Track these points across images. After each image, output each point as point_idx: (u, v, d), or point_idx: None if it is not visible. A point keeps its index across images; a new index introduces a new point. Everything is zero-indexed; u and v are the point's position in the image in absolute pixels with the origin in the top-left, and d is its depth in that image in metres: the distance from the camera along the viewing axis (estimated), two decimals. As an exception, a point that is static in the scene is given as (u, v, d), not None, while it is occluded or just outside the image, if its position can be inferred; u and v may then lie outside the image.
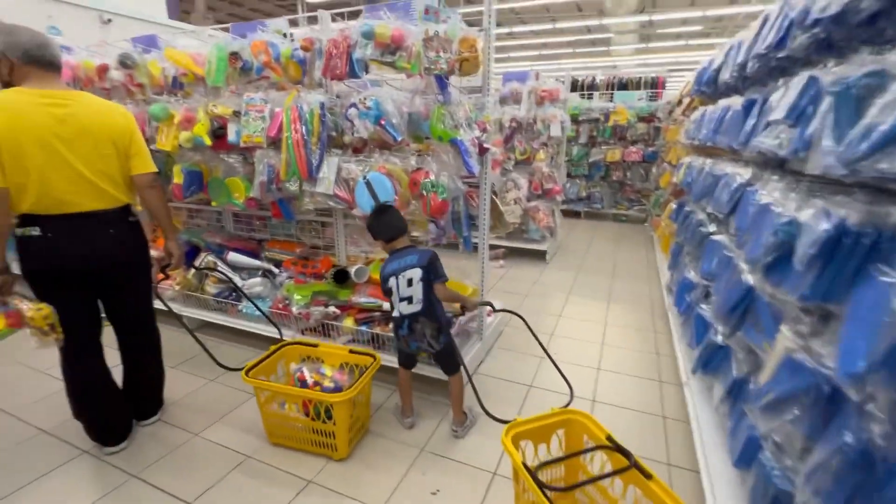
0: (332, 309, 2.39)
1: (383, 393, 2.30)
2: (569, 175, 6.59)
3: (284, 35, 2.38)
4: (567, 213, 6.64)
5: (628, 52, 15.79)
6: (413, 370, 2.07)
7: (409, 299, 1.84)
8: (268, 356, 2.05)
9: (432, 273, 1.88)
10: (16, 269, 1.67)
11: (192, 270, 2.87)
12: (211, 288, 2.87)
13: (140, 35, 2.92)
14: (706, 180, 2.34)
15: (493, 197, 2.41)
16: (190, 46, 2.49)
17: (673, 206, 3.73)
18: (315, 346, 2.14)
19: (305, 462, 1.85)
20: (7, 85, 1.62)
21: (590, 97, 7.07)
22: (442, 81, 1.97)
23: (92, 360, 1.84)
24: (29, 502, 1.65)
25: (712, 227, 2.27)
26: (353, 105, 2.09)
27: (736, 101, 2.00)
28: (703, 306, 2.05)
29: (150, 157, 1.87)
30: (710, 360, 1.85)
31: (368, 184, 2.10)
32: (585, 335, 2.99)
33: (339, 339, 2.43)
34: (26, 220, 1.60)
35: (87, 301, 1.78)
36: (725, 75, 2.29)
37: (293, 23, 2.51)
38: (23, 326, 1.60)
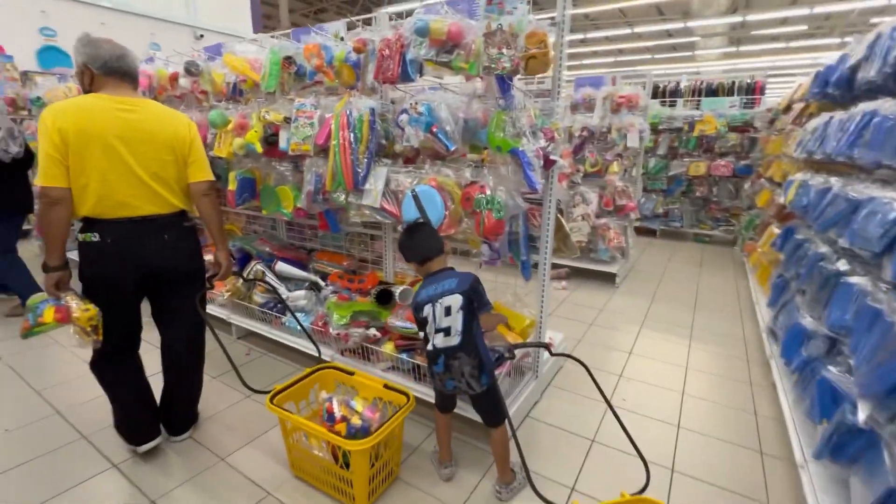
0: (372, 332, 2.20)
1: (421, 431, 2.06)
2: (645, 189, 6.01)
3: (341, 38, 2.25)
4: (641, 231, 6.04)
5: (715, 57, 14.52)
6: (455, 410, 1.81)
7: (447, 331, 1.57)
8: (301, 379, 1.91)
9: (476, 301, 1.61)
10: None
11: (246, 274, 2.83)
12: (258, 297, 2.82)
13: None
14: (836, 205, 1.85)
15: (559, 216, 2.09)
16: (248, 52, 2.45)
17: (776, 230, 3.15)
18: (351, 373, 1.95)
19: (326, 507, 1.66)
20: (87, 93, 1.70)
21: (672, 104, 6.43)
22: (504, 83, 1.70)
23: (132, 363, 1.87)
24: (52, 517, 1.60)
25: (843, 266, 1.78)
26: (405, 111, 1.90)
27: (890, 106, 1.53)
28: (833, 369, 1.59)
29: (209, 166, 1.88)
30: (845, 446, 1.39)
31: (416, 197, 1.88)
32: (662, 380, 2.55)
33: (378, 364, 2.22)
34: (87, 224, 1.64)
35: (133, 305, 1.79)
36: (870, 73, 1.80)
37: (351, 25, 2.39)
38: (69, 323, 1.63)
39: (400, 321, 2.12)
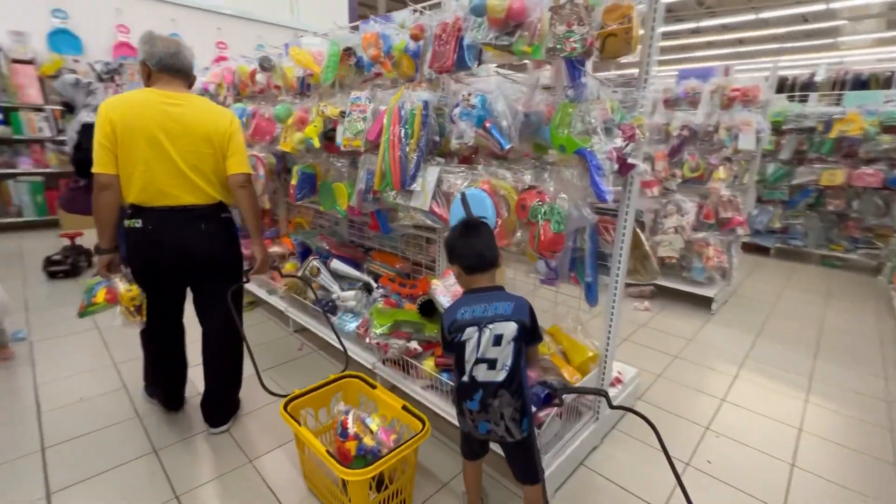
0: (413, 345, 2.02)
1: (453, 463, 1.84)
2: (759, 200, 5.12)
3: (402, 27, 2.09)
4: (749, 248, 5.17)
5: (865, 44, 12.15)
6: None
7: (492, 363, 1.31)
8: (323, 385, 1.81)
9: (531, 333, 1.35)
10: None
11: (301, 272, 2.84)
12: (313, 293, 2.80)
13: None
14: None
15: (638, 231, 1.73)
16: (313, 45, 2.40)
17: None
18: (374, 386, 1.78)
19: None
20: (146, 87, 1.80)
21: (803, 100, 5.40)
22: (574, 69, 1.41)
23: (175, 343, 2.02)
24: (81, 496, 1.67)
25: None
26: (458, 103, 1.68)
27: None
28: None
29: (247, 159, 1.91)
30: None
31: (464, 200, 1.66)
32: (763, 442, 2.04)
33: (418, 381, 2.05)
34: (132, 212, 1.76)
35: (175, 290, 1.93)
36: None
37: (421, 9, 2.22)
38: (117, 303, 1.80)
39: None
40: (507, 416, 1.33)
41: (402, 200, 1.96)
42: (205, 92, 3.73)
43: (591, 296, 1.72)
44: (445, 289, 1.91)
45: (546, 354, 1.80)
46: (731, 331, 3.20)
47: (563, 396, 1.44)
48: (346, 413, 1.58)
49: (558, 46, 1.31)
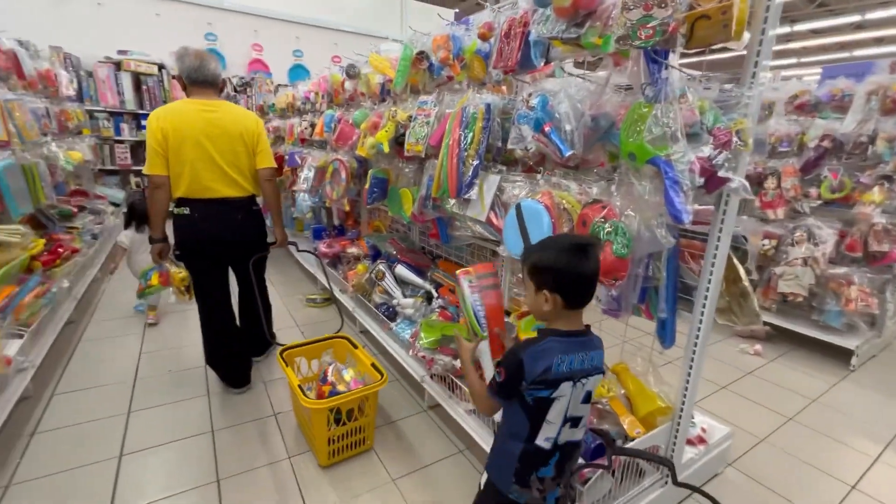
0: (459, 363, 1.89)
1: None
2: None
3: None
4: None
5: None
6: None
7: (576, 422, 1.08)
8: (316, 342, 2.16)
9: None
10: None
11: (367, 275, 2.88)
12: (377, 297, 2.82)
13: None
14: None
15: (735, 262, 1.40)
16: (391, 51, 2.41)
17: None
18: (356, 347, 2.10)
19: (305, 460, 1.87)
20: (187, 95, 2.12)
21: None
22: (654, 62, 1.17)
23: (226, 319, 2.27)
24: (146, 461, 1.82)
25: None
26: (520, 106, 1.52)
27: None
28: None
29: (272, 155, 2.23)
30: None
31: (519, 214, 1.49)
32: (912, 557, 1.51)
33: (462, 403, 1.91)
34: (180, 202, 2.04)
35: (219, 271, 2.22)
36: None
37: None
38: (169, 285, 2.17)
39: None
40: (573, 474, 1.13)
41: (458, 209, 1.85)
42: (306, 100, 4.04)
43: (666, 335, 1.43)
44: (474, 285, 1.56)
45: (604, 397, 1.54)
46: (878, 396, 2.50)
47: (614, 458, 1.18)
48: (330, 364, 1.96)
49: (631, 35, 1.09)
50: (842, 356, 2.83)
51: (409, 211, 2.33)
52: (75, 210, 3.75)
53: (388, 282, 2.70)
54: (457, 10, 6.62)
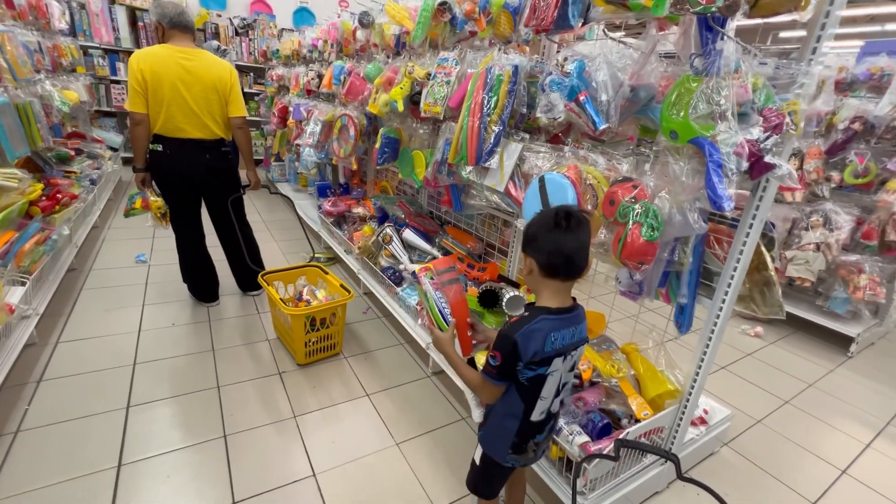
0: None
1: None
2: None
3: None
4: (920, 282, 4.07)
5: None
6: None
7: (564, 387, 1.14)
8: (292, 269, 2.52)
9: None
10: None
11: (373, 238, 2.83)
12: (383, 260, 2.78)
13: None
14: None
15: (763, 250, 1.36)
16: (412, 0, 2.24)
17: None
18: (327, 273, 2.48)
19: (282, 357, 2.29)
20: (161, 43, 2.26)
21: None
22: (709, 29, 1.06)
23: (194, 244, 2.56)
24: (152, 414, 1.85)
25: None
26: (552, 70, 1.42)
27: None
28: None
29: (244, 104, 2.43)
30: None
31: (542, 186, 1.42)
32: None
33: (467, 373, 1.91)
34: (155, 138, 2.25)
35: (191, 202, 2.46)
36: None
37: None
38: (147, 210, 2.36)
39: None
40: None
41: (475, 178, 1.77)
42: (313, 48, 3.82)
43: (684, 320, 1.40)
44: (434, 281, 1.53)
45: (615, 377, 1.53)
46: (873, 384, 2.54)
47: (622, 450, 1.19)
48: (304, 286, 2.37)
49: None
50: (841, 342, 2.86)
51: (422, 175, 2.25)
52: (72, 153, 3.63)
53: (396, 246, 2.65)
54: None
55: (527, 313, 1.05)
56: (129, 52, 5.49)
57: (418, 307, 2.20)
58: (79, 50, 4.79)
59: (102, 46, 5.33)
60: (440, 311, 1.37)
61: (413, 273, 1.56)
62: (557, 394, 1.11)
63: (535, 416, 1.10)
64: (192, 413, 1.84)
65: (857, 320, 2.87)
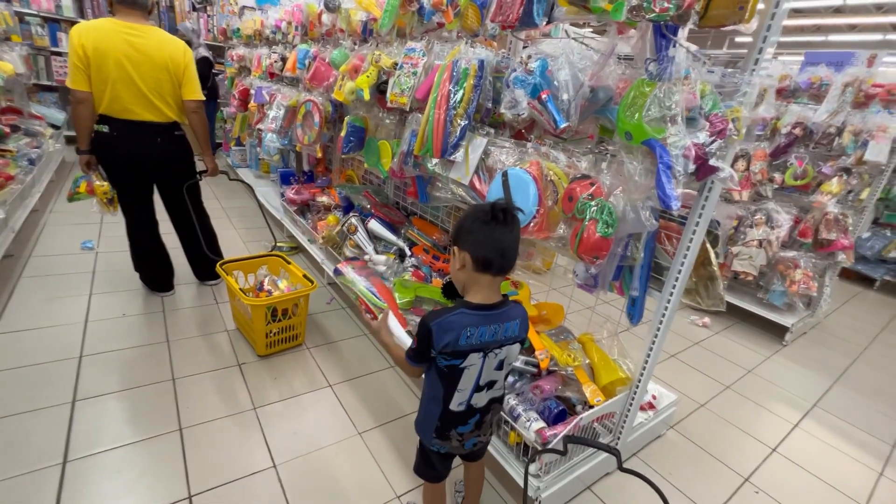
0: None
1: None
2: (875, 222, 4.34)
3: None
4: (849, 275, 4.46)
5: None
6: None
7: (491, 385, 1.15)
8: (252, 258, 2.46)
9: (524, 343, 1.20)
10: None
11: (338, 227, 2.80)
12: (347, 251, 2.76)
13: None
14: None
15: (708, 246, 1.44)
16: (379, -14, 2.20)
17: None
18: (289, 263, 2.42)
19: (241, 349, 2.23)
20: (110, 14, 2.12)
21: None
22: (663, 36, 1.12)
23: (146, 231, 2.43)
24: (101, 408, 1.77)
25: None
26: (516, 67, 1.44)
27: None
28: None
29: (199, 87, 2.30)
30: None
31: (506, 181, 1.46)
32: (815, 510, 1.74)
33: (430, 363, 1.94)
34: (101, 119, 2.12)
35: (143, 188, 2.34)
36: None
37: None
38: (92, 195, 2.23)
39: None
40: (493, 423, 1.27)
41: (441, 170, 1.79)
42: (276, 30, 3.68)
43: (635, 312, 1.49)
44: (358, 271, 1.76)
45: (570, 366, 1.60)
46: (803, 370, 2.77)
47: (569, 444, 1.24)
48: (265, 276, 2.31)
49: (645, 5, 1.03)
50: (778, 332, 3.09)
51: (388, 165, 2.24)
52: (7, 130, 3.36)
53: (361, 236, 2.63)
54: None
55: (453, 305, 1.09)
56: (72, 23, 5.12)
57: (359, 301, 2.20)
58: (13, 16, 4.40)
59: (42, 14, 4.93)
60: (373, 294, 1.45)
61: (335, 270, 1.79)
62: (478, 389, 1.12)
63: (454, 405, 1.12)
64: (144, 406, 1.78)
65: (791, 311, 3.11)
